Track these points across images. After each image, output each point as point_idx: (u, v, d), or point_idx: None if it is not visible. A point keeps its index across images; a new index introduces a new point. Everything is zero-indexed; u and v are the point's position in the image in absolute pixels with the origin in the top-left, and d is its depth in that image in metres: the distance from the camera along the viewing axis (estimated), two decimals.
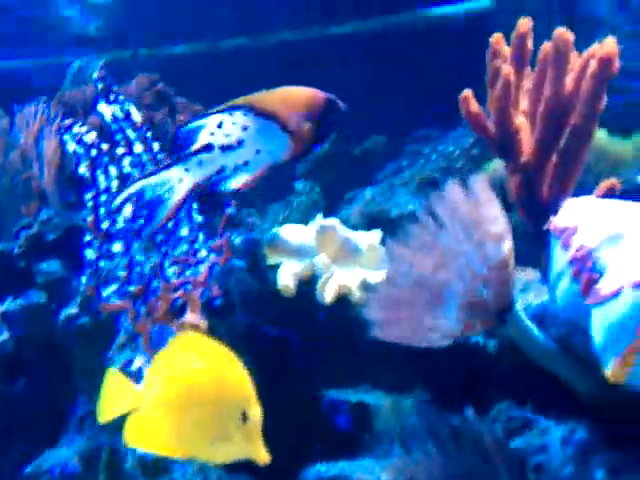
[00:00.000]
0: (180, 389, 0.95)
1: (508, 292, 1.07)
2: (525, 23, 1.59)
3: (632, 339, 0.91)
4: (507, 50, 1.64)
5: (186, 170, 1.37)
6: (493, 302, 1.05)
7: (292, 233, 1.48)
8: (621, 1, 2.08)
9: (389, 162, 3.41)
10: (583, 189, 1.67)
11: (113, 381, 0.99)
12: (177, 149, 1.39)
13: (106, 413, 0.99)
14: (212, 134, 1.37)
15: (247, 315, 1.45)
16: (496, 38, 1.63)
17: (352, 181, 3.29)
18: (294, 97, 1.42)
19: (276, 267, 1.46)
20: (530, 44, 1.61)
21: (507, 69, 1.57)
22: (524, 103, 1.70)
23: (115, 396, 0.98)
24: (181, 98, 2.01)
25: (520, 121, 1.67)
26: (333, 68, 3.40)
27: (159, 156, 1.30)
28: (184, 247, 1.22)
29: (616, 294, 0.92)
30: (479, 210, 1.08)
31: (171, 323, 1.18)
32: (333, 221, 1.46)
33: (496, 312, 1.08)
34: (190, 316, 1.18)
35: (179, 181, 1.37)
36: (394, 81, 3.39)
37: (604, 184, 1.59)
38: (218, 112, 1.39)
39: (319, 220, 1.48)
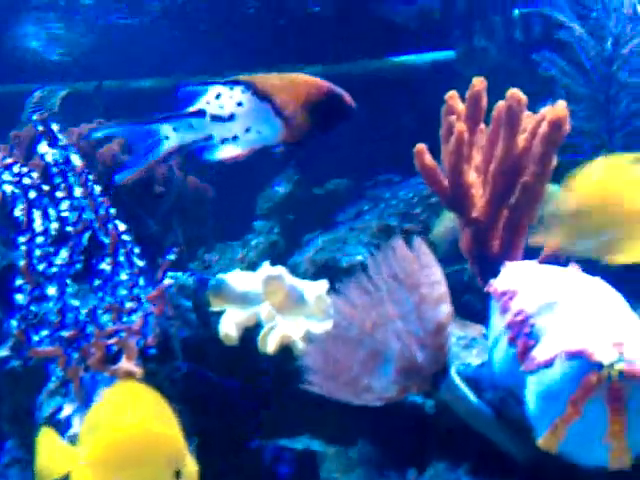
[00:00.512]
0: (112, 448, 0.92)
1: (443, 357, 1.06)
2: (479, 82, 1.62)
3: (564, 409, 0.91)
4: (462, 106, 1.66)
5: (174, 129, 1.39)
6: (428, 366, 1.04)
7: (238, 280, 1.46)
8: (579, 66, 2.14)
9: (350, 205, 3.42)
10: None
11: (47, 442, 0.96)
12: (175, 106, 1.40)
13: (44, 477, 0.95)
14: (208, 103, 1.39)
15: (189, 361, 1.42)
16: (450, 95, 1.65)
17: (312, 223, 3.29)
18: (297, 84, 1.42)
19: (221, 312, 1.43)
20: (484, 102, 1.64)
21: (460, 126, 1.58)
22: (478, 158, 1.72)
23: (50, 458, 0.95)
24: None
25: (472, 177, 1.68)
26: None
27: (99, 199, 1.27)
28: (123, 292, 1.19)
29: (549, 363, 0.92)
30: (419, 273, 1.08)
31: (105, 370, 1.15)
32: (280, 270, 1.44)
33: (431, 376, 1.07)
34: (125, 363, 1.15)
35: (166, 138, 1.40)
36: (360, 125, 3.40)
37: (551, 244, 1.62)
38: (220, 83, 1.40)
39: (266, 268, 1.47)
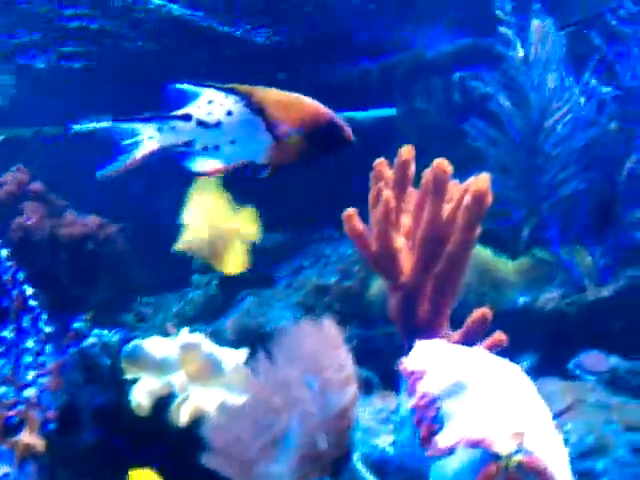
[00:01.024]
0: None
1: (346, 442, 1.04)
2: (407, 151, 1.63)
3: None
4: (390, 173, 1.67)
5: (158, 129, 1.32)
6: (330, 452, 1.01)
7: (155, 346, 1.42)
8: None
9: (292, 260, 3.41)
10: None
11: None
12: (163, 104, 1.33)
13: None
14: (198, 107, 1.32)
15: (102, 428, 1.37)
16: (379, 162, 1.66)
17: (252, 277, 3.26)
18: (297, 104, 1.34)
19: (136, 380, 1.39)
20: (411, 171, 1.65)
21: (387, 194, 1.59)
22: (408, 222, 1.73)
23: None
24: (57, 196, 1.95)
25: (401, 242, 1.69)
26: None
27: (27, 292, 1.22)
28: (28, 359, 1.14)
29: (451, 450, 0.90)
30: (325, 355, 1.06)
31: (4, 442, 1.09)
32: (197, 338, 1.41)
33: (332, 462, 1.04)
34: (26, 435, 1.10)
35: (148, 138, 1.33)
36: (303, 179, 3.42)
37: (478, 313, 1.63)
38: (216, 88, 1.32)
39: (184, 335, 1.43)
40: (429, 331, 1.69)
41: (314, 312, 2.16)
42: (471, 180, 1.56)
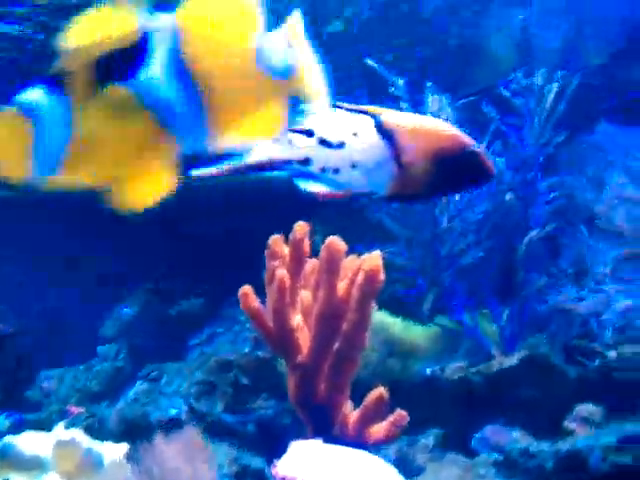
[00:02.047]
0: None
1: None
2: (302, 227, 1.61)
3: None
4: (286, 250, 1.64)
5: (273, 140, 1.16)
6: None
7: (29, 443, 1.32)
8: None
9: (205, 326, 3.33)
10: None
11: None
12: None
13: None
14: (320, 123, 1.16)
15: None
16: (274, 239, 1.63)
17: (163, 346, 3.16)
18: (429, 128, 1.18)
19: None
20: (307, 247, 1.63)
21: (281, 274, 1.56)
22: (307, 298, 1.70)
23: None
24: None
25: (298, 321, 1.65)
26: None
27: None
28: None
29: None
30: (184, 468, 1.00)
31: None
32: (74, 433, 1.32)
33: None
34: None
35: (259, 146, 1.16)
36: (223, 238, 3.37)
37: (374, 394, 1.60)
38: (344, 109, 1.16)
39: (59, 431, 1.34)
40: (328, 411, 1.66)
41: (214, 391, 2.09)
42: (365, 257, 1.55)
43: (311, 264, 1.68)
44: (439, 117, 2.05)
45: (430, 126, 1.18)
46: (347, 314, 1.58)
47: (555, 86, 2.15)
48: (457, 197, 2.20)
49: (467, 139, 1.16)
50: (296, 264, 1.65)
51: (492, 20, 2.82)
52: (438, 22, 2.86)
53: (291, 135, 1.16)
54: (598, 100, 2.82)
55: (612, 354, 2.13)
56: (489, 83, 2.40)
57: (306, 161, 1.17)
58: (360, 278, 1.52)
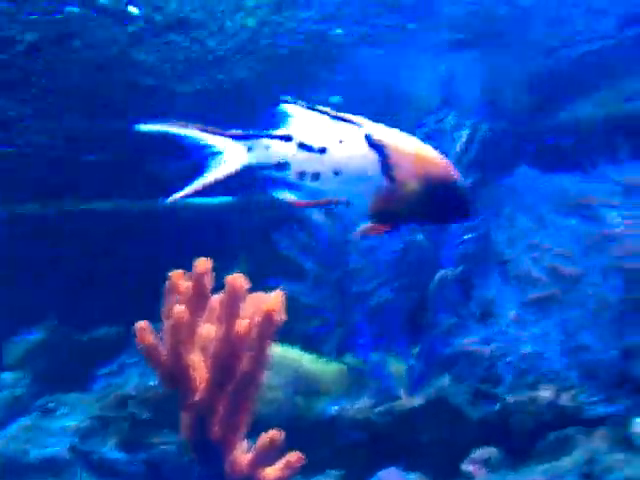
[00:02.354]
0: None
1: None
2: (203, 263, 1.57)
3: None
4: (186, 286, 1.60)
5: (248, 149, 1.10)
6: None
7: None
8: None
9: (116, 356, 3.23)
10: None
11: None
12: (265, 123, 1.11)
13: None
14: (302, 129, 1.10)
15: None
16: (174, 274, 1.59)
17: (69, 374, 3.05)
18: (427, 154, 1.11)
19: None
20: (208, 282, 1.59)
21: (178, 309, 1.52)
22: (208, 335, 1.66)
23: None
24: None
25: (195, 358, 1.61)
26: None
27: None
28: None
29: None
30: None
31: None
32: None
33: None
34: None
35: (232, 155, 1.11)
36: (136, 265, 3.30)
37: (266, 437, 1.56)
38: (329, 115, 1.10)
39: None
40: (221, 451, 1.62)
41: (107, 427, 2.01)
42: (265, 296, 1.53)
43: (218, 298, 1.64)
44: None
45: (425, 149, 1.13)
46: (244, 355, 1.55)
47: (465, 132, 2.19)
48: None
49: (457, 173, 1.12)
50: (197, 299, 1.61)
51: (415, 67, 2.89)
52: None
53: (268, 141, 1.11)
54: (517, 145, 2.90)
55: (510, 399, 2.15)
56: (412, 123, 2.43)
57: (283, 165, 1.11)
58: (258, 318, 1.49)
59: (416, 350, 2.39)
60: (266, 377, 2.23)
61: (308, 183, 1.11)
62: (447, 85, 2.82)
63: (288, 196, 1.12)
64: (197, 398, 1.59)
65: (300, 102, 1.11)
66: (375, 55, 2.79)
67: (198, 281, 1.59)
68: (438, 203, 1.10)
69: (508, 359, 2.28)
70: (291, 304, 2.34)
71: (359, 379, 2.41)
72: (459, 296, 2.49)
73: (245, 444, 1.65)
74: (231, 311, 1.53)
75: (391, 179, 1.08)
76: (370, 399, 2.33)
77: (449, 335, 2.40)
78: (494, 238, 2.68)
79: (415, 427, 2.25)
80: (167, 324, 1.56)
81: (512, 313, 2.36)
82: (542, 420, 2.12)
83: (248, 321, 1.53)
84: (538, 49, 2.89)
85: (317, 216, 2.10)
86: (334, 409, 2.29)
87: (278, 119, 1.11)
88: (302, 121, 1.11)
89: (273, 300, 1.49)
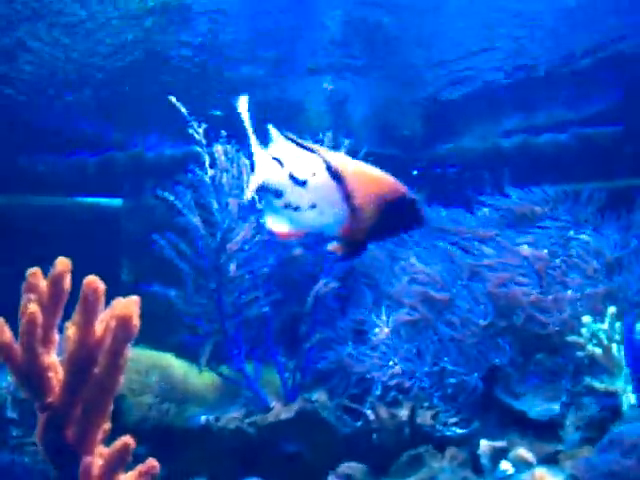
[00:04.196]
0: None
1: None
2: (63, 263, 1.51)
3: None
4: (43, 285, 1.53)
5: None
6: None
7: None
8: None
9: None
10: None
11: None
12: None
13: None
14: (284, 157, 1.12)
15: None
16: (32, 272, 1.51)
17: None
18: (376, 177, 1.15)
19: None
20: (66, 284, 1.52)
21: (32, 309, 1.44)
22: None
23: None
24: None
25: (51, 359, 1.54)
26: None
27: None
28: None
29: None
30: None
31: None
32: None
33: None
34: None
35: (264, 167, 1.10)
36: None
37: (118, 444, 1.51)
38: (299, 144, 1.12)
39: None
40: (75, 456, 1.55)
41: None
42: (123, 302, 1.47)
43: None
44: (228, 170, 2.04)
45: (374, 172, 1.17)
46: (100, 357, 1.49)
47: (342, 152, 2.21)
48: (246, 247, 2.19)
49: (405, 188, 1.17)
50: (54, 300, 1.54)
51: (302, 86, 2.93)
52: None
53: (270, 161, 1.13)
54: (404, 170, 2.96)
55: (371, 415, 2.16)
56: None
57: (280, 193, 1.14)
58: (112, 324, 1.43)
59: (291, 363, 2.38)
60: (135, 382, 2.18)
61: (291, 213, 1.13)
62: (336, 107, 2.85)
63: (275, 225, 1.14)
64: (51, 400, 1.52)
65: (273, 128, 1.14)
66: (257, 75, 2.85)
67: (55, 281, 1.52)
68: (394, 219, 1.16)
69: (377, 376, 2.29)
70: (168, 311, 2.30)
71: (233, 389, 2.37)
72: (335, 312, 2.50)
73: (101, 449, 1.59)
74: (87, 314, 1.47)
75: (352, 207, 1.13)
76: (242, 409, 2.29)
77: (324, 349, 2.40)
78: (371, 260, 2.71)
79: (284, 438, 2.22)
80: (22, 324, 1.50)
81: (384, 332, 2.38)
82: (401, 437, 2.13)
83: (103, 325, 1.47)
84: (428, 81, 2.96)
85: (197, 223, 2.06)
86: (204, 418, 2.24)
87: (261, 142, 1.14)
88: (282, 148, 1.14)
89: (126, 306, 1.44)
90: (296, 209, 1.14)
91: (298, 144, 1.15)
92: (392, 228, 1.19)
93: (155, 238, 2.20)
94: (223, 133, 2.15)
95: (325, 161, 1.13)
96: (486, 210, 2.78)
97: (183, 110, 2.07)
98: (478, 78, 2.86)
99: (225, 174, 2.04)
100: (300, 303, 2.34)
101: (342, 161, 1.16)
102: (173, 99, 2.07)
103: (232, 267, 2.14)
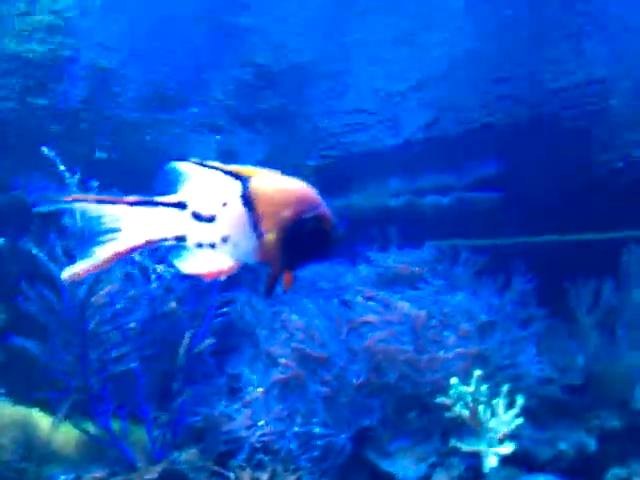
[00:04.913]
0: None
1: None
2: None
3: None
4: None
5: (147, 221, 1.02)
6: None
7: None
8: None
9: None
10: None
11: None
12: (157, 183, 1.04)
13: None
14: (194, 193, 1.04)
15: None
16: None
17: None
18: (283, 195, 1.05)
19: None
20: None
21: None
22: None
23: None
24: None
25: None
26: None
27: None
28: None
29: None
30: None
31: None
32: None
33: None
34: None
35: (129, 225, 1.02)
36: None
37: None
38: (219, 170, 1.04)
39: None
40: None
41: None
42: None
43: None
44: None
45: (286, 190, 1.07)
46: None
47: None
48: (116, 301, 2.13)
49: (323, 206, 1.07)
50: None
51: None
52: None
53: (163, 210, 1.05)
54: None
55: (232, 477, 2.11)
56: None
57: (181, 238, 1.06)
58: None
59: (161, 419, 2.29)
60: None
61: (207, 252, 1.07)
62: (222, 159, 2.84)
63: (193, 267, 1.07)
64: None
65: (192, 159, 1.07)
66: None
67: None
68: (299, 243, 1.08)
69: (246, 436, 2.24)
70: (33, 365, 2.19)
71: (97, 447, 2.26)
72: (210, 368, 2.44)
73: None
74: None
75: (258, 233, 1.06)
76: (106, 469, 2.19)
77: (197, 406, 2.33)
78: (249, 317, 2.68)
79: None
80: None
81: (258, 391, 2.34)
82: None
83: None
84: (319, 139, 3.01)
85: (64, 276, 1.97)
86: (64, 478, 2.13)
87: (171, 178, 1.06)
88: (195, 181, 1.07)
89: None
90: (212, 246, 1.07)
91: (217, 169, 1.08)
92: (303, 250, 1.09)
93: (23, 287, 2.10)
94: (94, 184, 2.08)
95: (243, 183, 1.06)
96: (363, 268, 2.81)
97: (52, 155, 2.01)
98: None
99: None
100: (173, 359, 2.27)
101: (261, 181, 1.08)
102: (45, 150, 2.01)
103: (96, 321, 2.06)
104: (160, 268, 2.31)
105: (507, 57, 2.53)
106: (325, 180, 3.18)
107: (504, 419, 2.24)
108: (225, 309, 2.45)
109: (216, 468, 2.16)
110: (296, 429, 2.22)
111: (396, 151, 3.02)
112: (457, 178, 3.24)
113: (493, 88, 2.69)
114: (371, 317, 2.48)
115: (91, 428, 2.24)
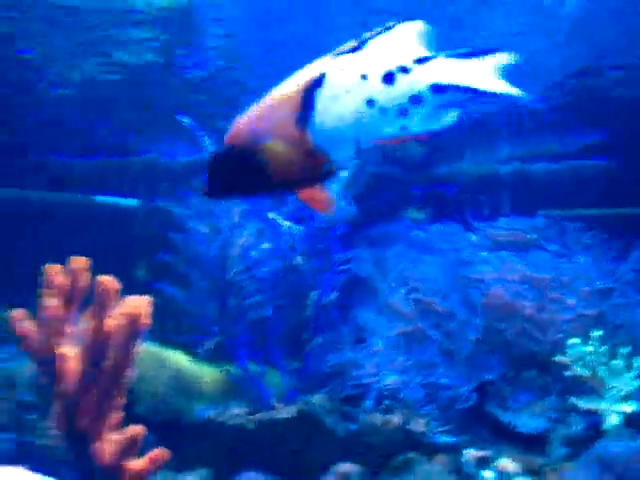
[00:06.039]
0: None
1: None
2: (78, 260, 1.57)
3: None
4: (60, 280, 1.59)
5: None
6: None
7: None
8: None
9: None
10: None
11: None
12: None
13: None
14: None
15: None
16: (50, 269, 1.58)
17: None
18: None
19: None
20: (83, 279, 1.58)
21: (51, 303, 1.52)
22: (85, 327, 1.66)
23: None
24: None
25: (66, 350, 1.60)
26: None
27: None
28: None
29: None
30: None
31: None
32: None
33: None
34: None
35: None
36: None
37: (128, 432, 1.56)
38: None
39: None
40: (88, 441, 1.61)
41: None
42: (135, 300, 1.54)
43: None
44: None
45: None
46: (112, 350, 1.55)
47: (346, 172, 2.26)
48: (253, 253, 2.25)
49: (244, 126, 0.99)
50: (72, 296, 1.61)
51: None
52: None
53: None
54: (407, 190, 3.00)
55: (367, 420, 2.20)
56: None
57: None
58: (122, 319, 1.50)
59: (293, 365, 2.42)
60: (148, 374, 2.23)
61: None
62: None
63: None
64: (66, 388, 1.59)
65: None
66: None
67: (73, 277, 1.59)
68: (220, 175, 1.02)
69: (373, 383, 2.32)
70: (176, 311, 2.36)
71: (237, 387, 2.42)
72: (336, 320, 2.53)
73: (114, 436, 1.65)
74: (100, 309, 1.54)
75: None
76: (245, 406, 2.34)
77: (325, 354, 2.44)
78: (372, 272, 2.74)
79: (284, 437, 2.27)
80: (41, 316, 1.56)
81: (383, 342, 2.42)
82: (393, 442, 2.17)
83: (115, 320, 1.54)
84: None
85: (204, 230, 2.13)
86: (209, 412, 2.30)
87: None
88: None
89: (138, 304, 1.50)
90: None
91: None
92: (212, 186, 1.03)
93: (171, 238, 2.26)
94: None
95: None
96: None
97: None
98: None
99: None
100: (303, 309, 2.39)
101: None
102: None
103: (234, 272, 2.20)
104: (288, 224, 2.41)
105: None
106: (436, 145, 3.16)
107: (624, 379, 2.23)
108: (347, 266, 2.53)
109: (347, 410, 2.27)
110: (420, 379, 2.30)
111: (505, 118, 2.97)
112: (569, 144, 3.15)
113: None
114: (491, 274, 2.50)
115: (231, 369, 2.41)
